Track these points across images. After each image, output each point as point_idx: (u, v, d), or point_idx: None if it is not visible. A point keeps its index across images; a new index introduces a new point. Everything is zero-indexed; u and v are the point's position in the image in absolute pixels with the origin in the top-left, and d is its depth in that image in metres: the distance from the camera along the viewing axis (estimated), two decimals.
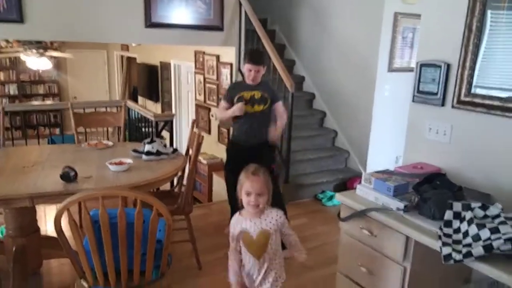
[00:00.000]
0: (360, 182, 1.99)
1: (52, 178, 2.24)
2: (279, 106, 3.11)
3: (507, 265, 1.38)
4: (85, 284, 1.80)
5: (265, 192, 1.72)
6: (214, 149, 5.57)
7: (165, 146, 2.73)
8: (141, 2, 3.97)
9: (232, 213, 3.33)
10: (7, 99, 8.82)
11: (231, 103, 3.00)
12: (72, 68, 9.48)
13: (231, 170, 3.18)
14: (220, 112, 3.14)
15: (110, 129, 7.01)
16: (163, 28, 4.12)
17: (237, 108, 2.94)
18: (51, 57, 6.81)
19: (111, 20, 3.90)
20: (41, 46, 5.85)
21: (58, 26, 3.70)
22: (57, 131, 8.95)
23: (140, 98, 8.57)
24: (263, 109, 3.01)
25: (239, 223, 1.79)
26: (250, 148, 3.04)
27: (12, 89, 9.10)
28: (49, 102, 8.99)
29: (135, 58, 8.68)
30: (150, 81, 7.91)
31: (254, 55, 3.00)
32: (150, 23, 4.04)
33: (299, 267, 2.88)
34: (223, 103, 3.09)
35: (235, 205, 3.30)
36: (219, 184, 5.21)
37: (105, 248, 1.67)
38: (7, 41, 7.52)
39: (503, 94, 1.81)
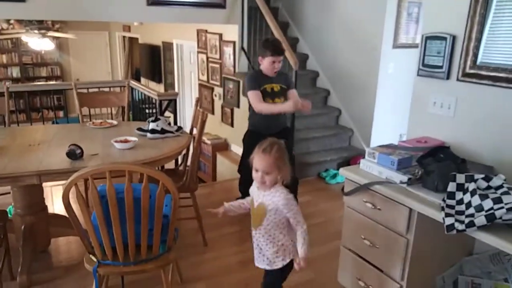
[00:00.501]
0: (364, 157, 1.99)
1: (58, 156, 2.26)
2: (293, 94, 3.08)
3: (508, 234, 1.41)
4: (94, 259, 1.84)
5: (273, 171, 1.66)
6: (218, 129, 5.58)
7: (169, 124, 2.74)
8: None
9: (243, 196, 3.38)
10: (10, 82, 8.80)
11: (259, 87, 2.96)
12: (74, 50, 9.44)
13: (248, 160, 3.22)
14: (263, 105, 2.92)
15: (113, 111, 7.04)
16: (165, 6, 4.08)
17: (307, 104, 2.85)
18: (53, 38, 6.77)
19: None
20: (42, 27, 5.81)
21: (59, 5, 3.67)
22: (61, 114, 8.98)
23: (143, 80, 8.55)
24: (283, 101, 3.02)
25: (253, 187, 1.82)
26: (273, 136, 3.01)
27: (15, 72, 9.08)
28: (52, 82, 8.97)
29: (137, 39, 8.62)
30: (153, 61, 7.88)
31: (276, 45, 2.91)
32: (152, 1, 3.99)
33: None
34: (255, 92, 2.92)
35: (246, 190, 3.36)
36: (223, 164, 5.25)
37: (113, 223, 1.70)
38: (8, 22, 7.48)
39: (510, 66, 1.80)
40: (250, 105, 3.07)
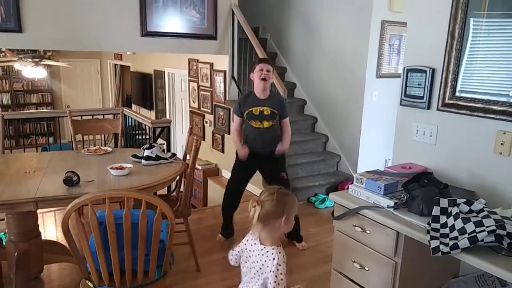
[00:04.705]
0: (352, 183, 2.08)
1: (54, 182, 2.30)
2: (286, 125, 3.15)
3: (490, 256, 1.48)
4: (90, 284, 1.86)
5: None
6: (209, 155, 5.64)
7: (163, 151, 2.81)
8: (137, 11, 4.07)
9: (225, 221, 3.42)
10: (0, 108, 8.79)
11: (242, 117, 3.08)
12: (65, 77, 9.51)
13: (238, 173, 3.31)
14: (233, 133, 3.22)
15: (104, 138, 7.07)
16: (158, 37, 4.22)
17: (241, 154, 3.10)
18: (45, 66, 6.85)
19: (108, 29, 3.99)
20: (36, 56, 5.90)
21: (56, 35, 3.77)
22: (51, 140, 8.96)
23: (134, 106, 8.63)
24: (271, 124, 3.06)
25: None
26: (261, 155, 3.15)
27: (5, 99, 9.09)
28: (46, 110, 8.98)
29: (128, 67, 8.75)
30: (144, 89, 7.99)
31: (263, 57, 3.12)
32: (146, 32, 4.13)
33: (293, 266, 2.97)
34: (235, 118, 3.13)
35: (227, 213, 3.41)
36: (214, 189, 5.28)
37: (111, 249, 1.74)
38: (0, 51, 7.56)
39: (485, 97, 1.93)
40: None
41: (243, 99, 3.14)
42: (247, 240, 1.67)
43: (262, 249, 1.57)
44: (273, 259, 1.53)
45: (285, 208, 1.56)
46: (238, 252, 1.70)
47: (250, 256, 1.63)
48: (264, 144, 3.14)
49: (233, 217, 3.41)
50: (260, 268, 1.57)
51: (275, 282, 1.52)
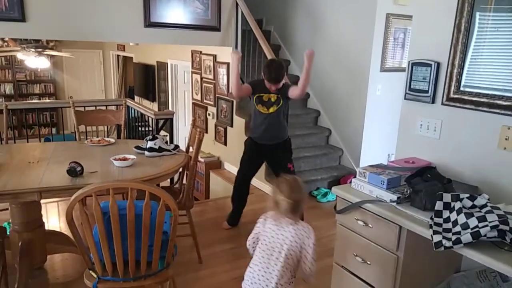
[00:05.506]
0: (355, 177, 2.08)
1: (58, 173, 2.31)
2: (294, 86, 3.18)
3: (493, 251, 1.48)
4: (94, 274, 1.87)
5: None
6: (211, 147, 5.65)
7: (166, 142, 2.81)
8: (141, 2, 4.04)
9: (234, 210, 3.46)
10: (3, 98, 8.79)
11: (251, 90, 3.19)
12: (68, 67, 9.51)
13: (246, 163, 3.40)
14: (232, 87, 3.25)
15: (106, 129, 7.07)
16: (161, 28, 4.20)
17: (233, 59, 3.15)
18: (48, 57, 6.84)
19: (112, 19, 3.97)
20: (39, 45, 5.88)
21: (59, 25, 3.75)
22: (53, 131, 8.96)
23: (136, 98, 8.62)
24: (277, 108, 3.19)
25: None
26: (268, 146, 3.26)
27: (8, 89, 9.09)
28: (49, 100, 8.99)
29: (131, 58, 8.73)
30: (147, 80, 7.97)
31: (272, 75, 3.06)
32: (149, 23, 4.11)
33: None
34: (246, 85, 3.24)
35: (237, 201, 3.44)
36: (216, 182, 5.29)
37: (114, 239, 1.75)
38: (3, 40, 7.54)
39: (490, 92, 1.92)
40: (251, 115, 3.33)
41: (257, 83, 3.24)
42: (264, 226, 1.80)
43: (292, 225, 1.74)
44: (310, 235, 1.74)
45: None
46: (253, 237, 1.84)
47: (272, 237, 1.76)
48: (271, 131, 3.23)
49: (243, 207, 3.52)
50: (292, 244, 1.72)
51: (313, 252, 1.74)
